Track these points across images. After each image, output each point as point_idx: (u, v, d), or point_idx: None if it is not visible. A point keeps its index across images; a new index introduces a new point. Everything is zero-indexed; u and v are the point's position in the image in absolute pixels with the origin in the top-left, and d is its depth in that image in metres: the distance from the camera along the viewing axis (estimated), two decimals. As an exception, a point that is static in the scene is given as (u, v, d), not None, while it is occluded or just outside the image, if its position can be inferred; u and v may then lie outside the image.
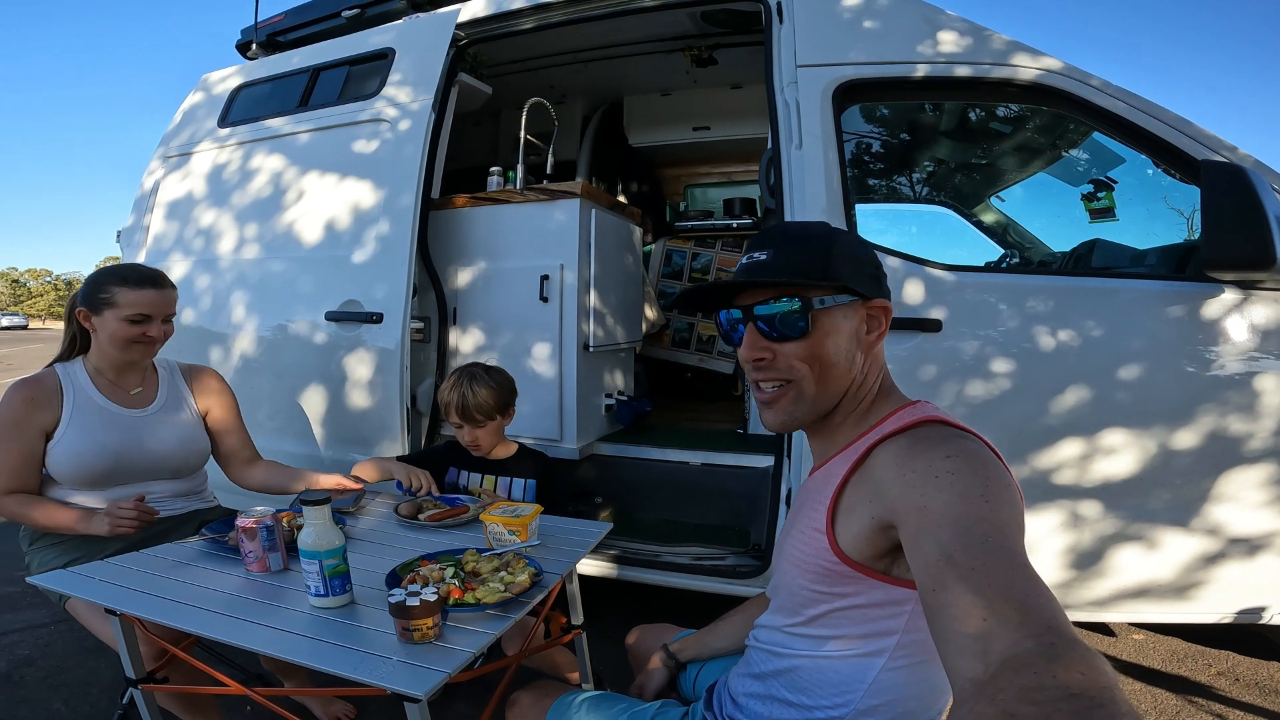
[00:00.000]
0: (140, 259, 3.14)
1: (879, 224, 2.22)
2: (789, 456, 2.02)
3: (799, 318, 0.85)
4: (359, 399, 2.51)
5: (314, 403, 2.61)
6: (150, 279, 1.74)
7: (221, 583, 1.36)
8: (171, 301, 1.78)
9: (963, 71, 1.97)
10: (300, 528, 1.58)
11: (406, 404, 2.44)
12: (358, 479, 1.87)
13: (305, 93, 2.71)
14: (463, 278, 2.59)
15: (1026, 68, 1.95)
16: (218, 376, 2.01)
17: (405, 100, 2.46)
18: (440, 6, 2.63)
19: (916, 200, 2.21)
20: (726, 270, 3.84)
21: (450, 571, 1.27)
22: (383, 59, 2.58)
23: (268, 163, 2.73)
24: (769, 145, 2.11)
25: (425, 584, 1.22)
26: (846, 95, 2.01)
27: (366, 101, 2.54)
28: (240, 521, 1.41)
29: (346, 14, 2.82)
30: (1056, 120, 2.18)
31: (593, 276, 2.47)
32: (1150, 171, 2.18)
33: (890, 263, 1.98)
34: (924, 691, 0.84)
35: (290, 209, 2.68)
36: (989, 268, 2.35)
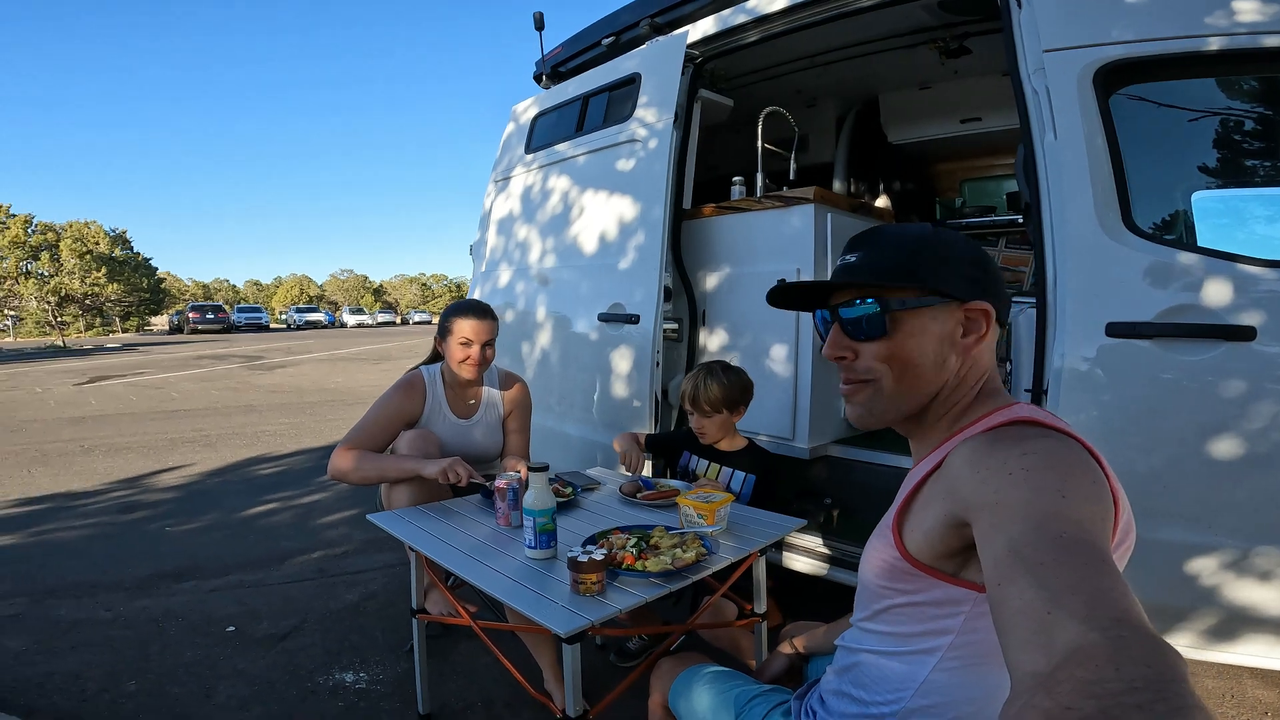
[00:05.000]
0: (481, 269, 3.89)
1: (1166, 215, 1.86)
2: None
3: (878, 319, 0.87)
4: (619, 389, 2.85)
5: (588, 392, 3.02)
6: (474, 310, 2.25)
7: (477, 531, 1.73)
8: (489, 330, 2.25)
9: (1273, 42, 1.59)
10: (555, 493, 1.93)
11: (657, 395, 2.71)
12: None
13: (579, 118, 3.11)
14: (710, 282, 2.78)
15: None
16: (525, 389, 2.49)
17: (652, 120, 2.70)
18: (678, 27, 2.80)
19: (1219, 187, 1.79)
20: (1010, 269, 3.46)
21: (633, 542, 1.46)
22: (632, 83, 2.84)
23: (558, 183, 3.22)
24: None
25: (608, 548, 1.42)
26: (1113, 78, 1.76)
27: (623, 124, 2.84)
28: (496, 482, 1.77)
29: (605, 42, 3.12)
30: None
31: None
32: None
33: (1183, 259, 1.69)
34: (978, 695, 0.80)
35: (575, 224, 3.13)
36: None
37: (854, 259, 0.91)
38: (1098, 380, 1.74)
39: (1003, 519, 0.65)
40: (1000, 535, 0.64)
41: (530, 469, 1.54)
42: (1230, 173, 1.83)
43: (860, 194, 3.69)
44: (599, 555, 1.28)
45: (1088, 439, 1.72)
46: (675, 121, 2.60)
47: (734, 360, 2.48)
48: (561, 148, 3.19)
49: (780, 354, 2.54)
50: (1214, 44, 1.65)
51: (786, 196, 2.47)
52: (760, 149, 2.70)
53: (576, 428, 3.13)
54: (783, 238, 2.51)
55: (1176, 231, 1.84)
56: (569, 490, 2.01)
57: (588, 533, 1.62)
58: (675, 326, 2.90)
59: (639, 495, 1.94)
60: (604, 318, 2.88)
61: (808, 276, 2.44)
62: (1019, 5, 1.87)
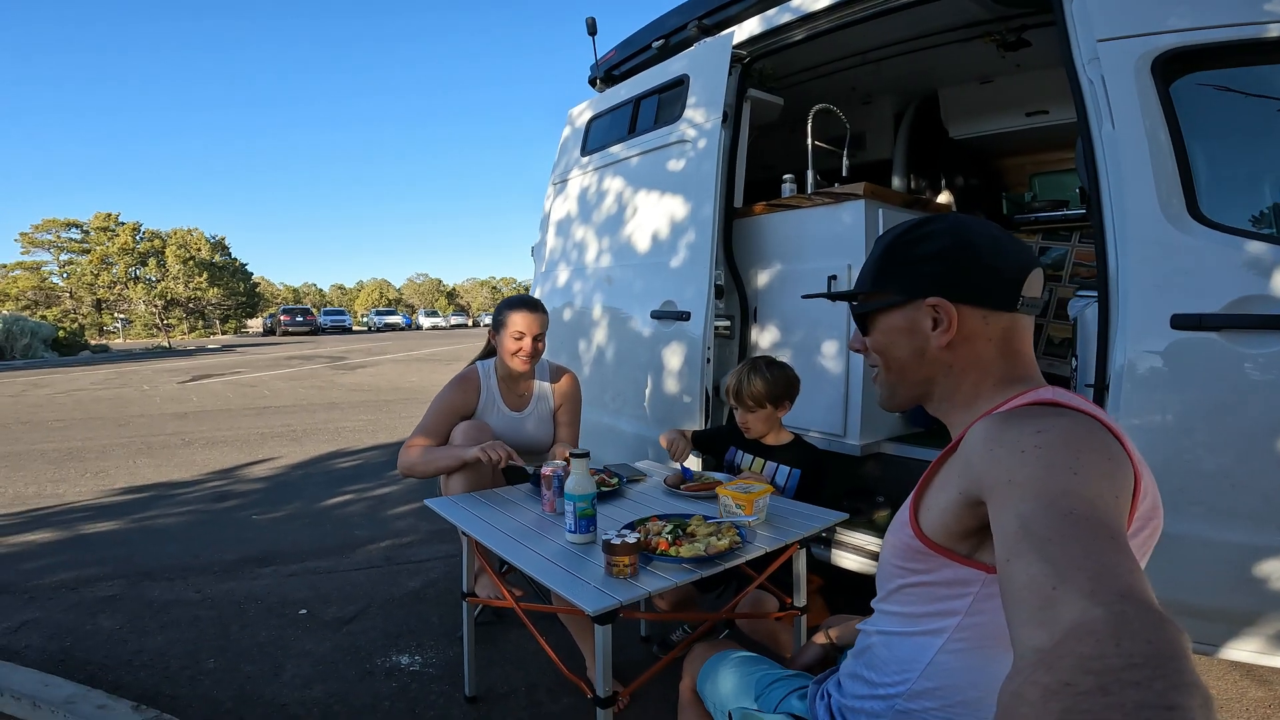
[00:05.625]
0: (541, 269, 4.00)
1: (1236, 203, 1.76)
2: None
3: (860, 320, 1.00)
4: (671, 385, 2.88)
5: (641, 388, 3.07)
6: (527, 305, 2.35)
7: (524, 517, 1.80)
8: (541, 323, 2.34)
9: None
10: (600, 483, 2.00)
11: (708, 390, 2.74)
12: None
13: (632, 120, 3.17)
14: (762, 279, 2.79)
15: None
16: (574, 381, 2.57)
17: (700, 120, 2.73)
18: (726, 28, 2.80)
19: None
20: (1084, 264, 3.32)
21: (668, 528, 1.49)
22: (680, 85, 2.89)
23: (612, 184, 3.29)
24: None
25: (644, 534, 1.46)
26: (1173, 66, 1.69)
27: (673, 125, 2.88)
28: (543, 470, 1.84)
29: (655, 45, 3.16)
30: None
31: (881, 275, 2.43)
32: None
33: (1253, 248, 1.61)
34: (983, 680, 0.80)
35: (628, 224, 3.19)
36: None
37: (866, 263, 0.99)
38: (1163, 374, 1.67)
39: (1014, 496, 0.65)
40: (1011, 512, 0.64)
41: (571, 455, 1.59)
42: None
43: (921, 190, 3.60)
44: (632, 539, 1.33)
45: (1153, 435, 1.66)
46: (724, 121, 2.62)
47: (785, 357, 2.48)
48: (615, 149, 3.25)
49: (831, 350, 2.52)
50: (1274, 30, 1.56)
51: (837, 193, 2.46)
52: (810, 146, 2.69)
53: (630, 423, 3.18)
54: (833, 234, 2.49)
55: (1247, 220, 1.75)
56: (615, 480, 2.06)
57: (629, 520, 1.66)
58: (727, 324, 2.91)
59: (681, 486, 1.97)
60: (656, 315, 2.93)
61: (859, 272, 2.41)
62: None
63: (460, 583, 1.91)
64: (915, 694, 0.84)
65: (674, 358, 2.86)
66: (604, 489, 1.98)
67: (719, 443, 2.36)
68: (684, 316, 2.78)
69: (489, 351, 2.53)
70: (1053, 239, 3.47)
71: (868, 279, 0.97)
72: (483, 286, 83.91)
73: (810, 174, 2.66)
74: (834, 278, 2.46)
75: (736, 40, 2.68)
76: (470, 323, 54.08)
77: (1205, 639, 1.70)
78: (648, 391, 3.04)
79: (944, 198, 3.48)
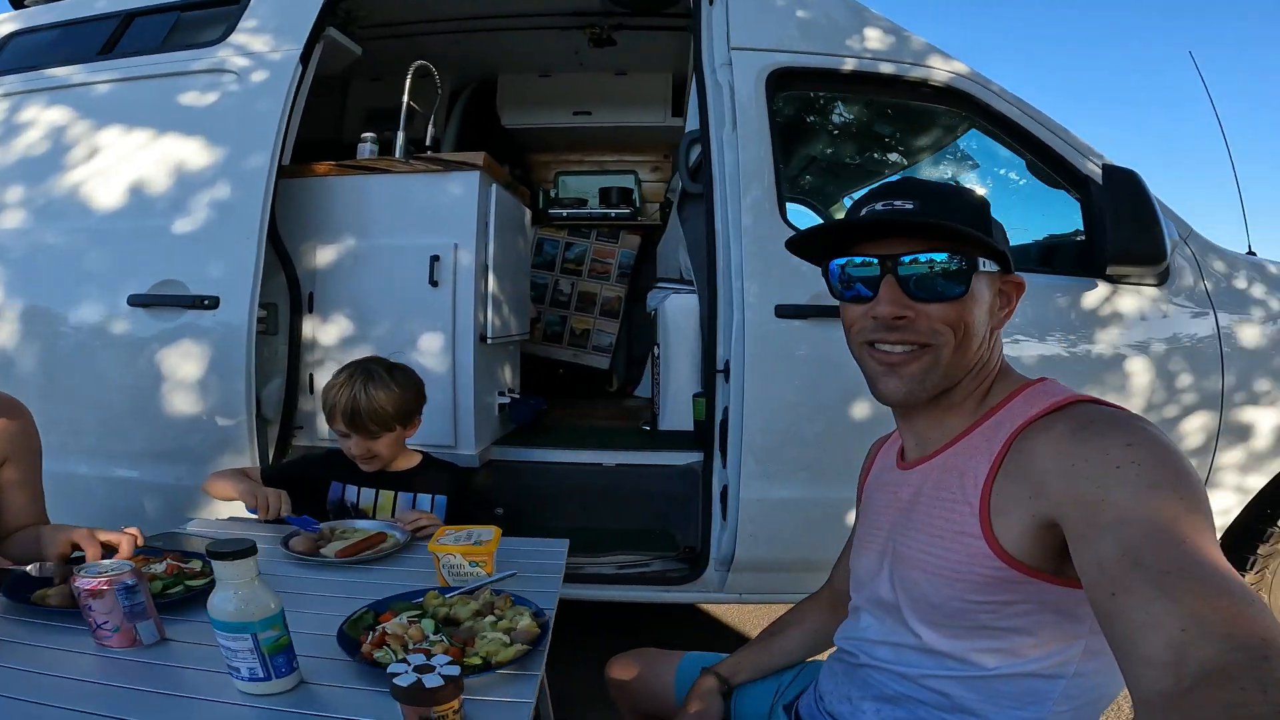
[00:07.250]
0: None
1: (805, 206, 2.23)
2: (722, 452, 1.92)
3: (961, 277, 0.76)
4: (184, 404, 2.00)
5: (116, 411, 2.05)
6: None
7: (70, 666, 0.94)
8: None
9: (886, 69, 2.01)
10: (154, 577, 1.19)
11: (253, 409, 1.99)
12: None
13: (111, 40, 2.20)
14: (323, 257, 2.16)
15: (940, 70, 2.01)
16: (23, 414, 1.41)
17: (262, 49, 2.03)
18: None
19: (839, 189, 2.24)
20: (602, 261, 3.69)
21: (430, 626, 0.98)
22: (233, 4, 2.16)
23: (45, 116, 2.13)
24: (689, 127, 2.01)
25: (402, 646, 0.93)
26: (779, 82, 1.96)
27: (204, 50, 2.10)
28: (82, 584, 0.99)
29: None
30: (956, 121, 2.29)
31: (491, 259, 2.15)
32: (1017, 175, 2.34)
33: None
34: (1113, 680, 0.77)
35: (75, 170, 2.08)
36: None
37: (912, 206, 0.77)
38: (772, 357, 1.87)
39: (1111, 517, 0.59)
40: (1110, 536, 0.58)
41: (211, 554, 0.88)
42: (853, 171, 2.24)
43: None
44: (448, 670, 0.80)
45: (769, 411, 1.81)
46: (302, 56, 1.99)
47: (366, 355, 1.96)
48: (61, 72, 2.17)
49: (434, 345, 2.11)
50: (849, 64, 1.97)
51: (445, 160, 2.08)
52: (405, 105, 2.23)
53: (92, 464, 2.11)
54: (437, 207, 2.09)
55: (810, 221, 2.17)
56: (199, 565, 1.27)
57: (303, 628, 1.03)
58: (264, 314, 2.16)
59: (334, 554, 1.34)
60: (142, 302, 2.00)
61: (467, 252, 2.08)
62: (709, 1, 1.93)
63: None
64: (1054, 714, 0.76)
65: (185, 363, 2.01)
66: (190, 583, 1.21)
67: (312, 478, 1.73)
68: (206, 303, 1.96)
69: None
70: (576, 235, 3.74)
71: (983, 229, 0.76)
72: None
73: (401, 135, 2.18)
74: (437, 258, 2.06)
75: None
76: None
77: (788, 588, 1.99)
78: (132, 416, 2.06)
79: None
